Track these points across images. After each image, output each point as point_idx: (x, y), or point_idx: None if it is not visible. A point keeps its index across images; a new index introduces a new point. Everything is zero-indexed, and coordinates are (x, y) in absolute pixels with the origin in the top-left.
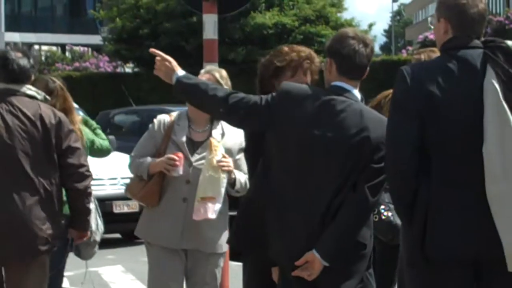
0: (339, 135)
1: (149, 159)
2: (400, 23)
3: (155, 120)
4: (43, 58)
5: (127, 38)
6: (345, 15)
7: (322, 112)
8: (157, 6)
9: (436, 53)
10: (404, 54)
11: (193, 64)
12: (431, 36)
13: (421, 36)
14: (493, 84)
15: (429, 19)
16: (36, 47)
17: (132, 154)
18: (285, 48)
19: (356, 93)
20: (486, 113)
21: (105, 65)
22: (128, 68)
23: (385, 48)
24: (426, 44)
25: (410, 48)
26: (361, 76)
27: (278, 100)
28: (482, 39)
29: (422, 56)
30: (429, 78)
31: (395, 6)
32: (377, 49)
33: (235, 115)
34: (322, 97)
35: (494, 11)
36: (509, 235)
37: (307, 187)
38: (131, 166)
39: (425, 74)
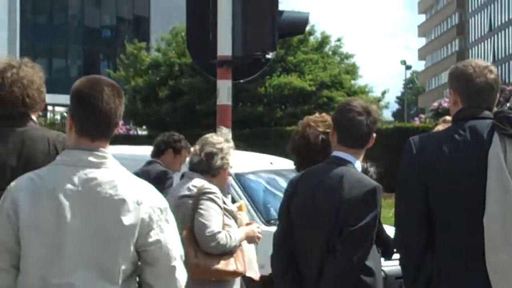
0: (321, 201)
1: (238, 230)
2: (412, 91)
3: (217, 193)
4: (58, 118)
5: (144, 97)
6: (359, 82)
7: (313, 185)
8: (180, 60)
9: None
10: (416, 122)
11: (205, 127)
12: (445, 104)
13: (435, 104)
14: (497, 155)
15: (445, 91)
16: (50, 108)
17: (216, 230)
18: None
19: (356, 163)
20: (489, 183)
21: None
22: (143, 131)
23: (397, 115)
24: (439, 111)
25: (422, 116)
26: (361, 145)
27: (287, 198)
28: (495, 109)
29: (440, 127)
30: (435, 149)
31: (408, 74)
32: (389, 116)
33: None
34: (319, 171)
35: (506, 80)
36: None
37: (307, 258)
38: (222, 241)
39: (431, 145)
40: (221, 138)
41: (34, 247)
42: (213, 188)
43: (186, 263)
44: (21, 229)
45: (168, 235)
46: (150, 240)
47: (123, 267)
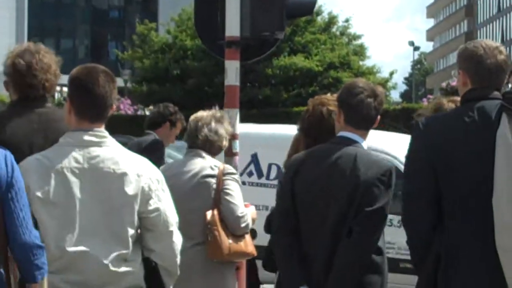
0: (333, 182)
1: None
2: (420, 72)
3: (237, 174)
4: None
5: (157, 77)
6: (367, 63)
7: (322, 165)
8: (190, 43)
9: (453, 103)
10: (425, 103)
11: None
12: (453, 83)
13: (443, 84)
14: (505, 135)
15: (453, 71)
16: (58, 88)
17: (244, 211)
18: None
19: (364, 143)
20: (497, 164)
21: (125, 107)
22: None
23: (405, 96)
24: (448, 91)
25: (430, 96)
26: (369, 126)
27: (289, 178)
28: (504, 90)
29: (444, 101)
30: (442, 130)
31: (416, 55)
32: (397, 96)
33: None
34: (325, 151)
35: None
36: None
37: (313, 238)
38: (249, 222)
39: (439, 125)
40: (226, 119)
41: (47, 220)
42: (233, 169)
43: (221, 246)
44: (33, 205)
45: (165, 203)
46: (150, 208)
47: (130, 232)
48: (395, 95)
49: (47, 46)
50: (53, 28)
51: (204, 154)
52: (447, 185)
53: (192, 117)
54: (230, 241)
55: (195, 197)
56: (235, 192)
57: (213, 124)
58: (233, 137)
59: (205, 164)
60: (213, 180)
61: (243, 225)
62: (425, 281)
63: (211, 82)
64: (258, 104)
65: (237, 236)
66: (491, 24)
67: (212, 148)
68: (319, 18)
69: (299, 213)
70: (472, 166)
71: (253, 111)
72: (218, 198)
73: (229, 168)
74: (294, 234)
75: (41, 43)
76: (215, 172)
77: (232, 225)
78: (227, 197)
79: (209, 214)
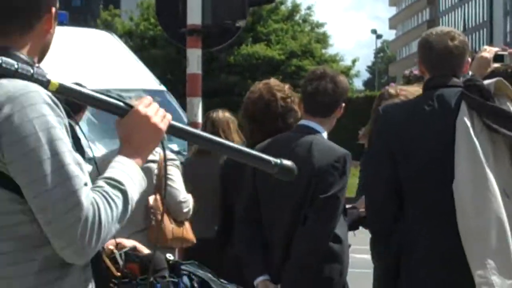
0: None
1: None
2: (383, 60)
3: (178, 160)
4: None
5: None
6: (329, 51)
7: (281, 154)
8: (153, 31)
9: (405, 92)
10: None
11: (179, 97)
12: (416, 72)
13: (406, 72)
14: (465, 122)
15: (415, 60)
16: None
17: (187, 196)
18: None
19: (322, 130)
20: (457, 150)
21: None
22: None
23: (368, 84)
24: (410, 79)
25: (393, 84)
26: (326, 114)
27: (252, 168)
28: (468, 76)
29: (392, 90)
30: (402, 117)
31: (379, 43)
32: (360, 85)
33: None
34: (285, 140)
35: (477, 49)
36: (480, 272)
37: (274, 227)
38: (191, 207)
39: (399, 113)
40: None
41: None
42: (173, 155)
43: (165, 230)
44: None
45: None
46: None
47: None
48: (358, 83)
49: None
50: None
51: None
52: (406, 172)
53: None
54: (173, 225)
55: None
56: (176, 177)
57: None
58: (195, 125)
59: None
60: (154, 166)
61: (185, 210)
62: (387, 270)
63: (174, 71)
64: (220, 92)
65: (178, 221)
66: (453, 12)
67: None
68: (282, 7)
69: (260, 202)
70: (431, 153)
71: (216, 100)
72: (160, 184)
73: (170, 154)
74: (256, 224)
75: None
76: (156, 157)
77: (175, 210)
78: (169, 182)
79: (151, 199)
